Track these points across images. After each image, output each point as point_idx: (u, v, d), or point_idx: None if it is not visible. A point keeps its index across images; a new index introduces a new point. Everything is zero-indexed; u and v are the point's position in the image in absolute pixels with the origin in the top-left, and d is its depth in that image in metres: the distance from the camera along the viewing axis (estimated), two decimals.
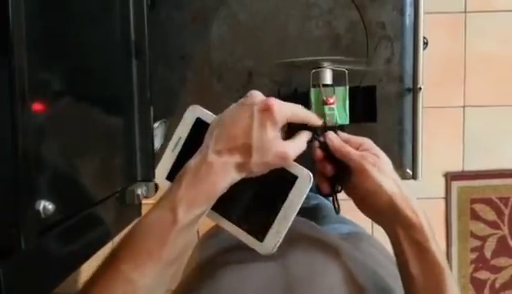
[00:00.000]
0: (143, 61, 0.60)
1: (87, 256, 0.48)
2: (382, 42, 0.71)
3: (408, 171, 0.73)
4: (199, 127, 0.52)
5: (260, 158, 0.46)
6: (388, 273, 0.57)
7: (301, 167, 0.49)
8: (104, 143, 0.53)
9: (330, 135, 0.54)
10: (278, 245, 0.48)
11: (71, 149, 0.45)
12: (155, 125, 0.65)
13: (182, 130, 0.53)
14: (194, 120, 0.53)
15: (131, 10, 0.58)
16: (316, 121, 0.52)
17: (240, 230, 0.50)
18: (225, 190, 0.46)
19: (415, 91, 0.71)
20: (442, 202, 1.71)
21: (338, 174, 0.54)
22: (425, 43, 0.72)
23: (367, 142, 0.54)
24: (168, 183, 0.54)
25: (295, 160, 0.49)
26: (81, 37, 0.48)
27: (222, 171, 0.45)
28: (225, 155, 0.45)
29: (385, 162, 0.52)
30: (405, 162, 0.73)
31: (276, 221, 0.49)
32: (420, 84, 0.70)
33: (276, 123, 0.46)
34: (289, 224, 0.48)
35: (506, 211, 1.72)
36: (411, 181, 0.72)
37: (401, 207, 0.48)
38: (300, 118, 0.50)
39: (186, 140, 0.53)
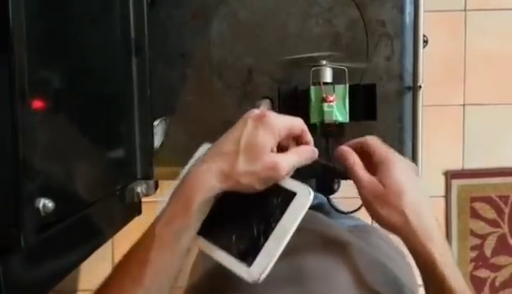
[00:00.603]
0: (143, 59, 0.60)
1: (86, 254, 0.49)
2: (382, 40, 0.71)
3: None
4: None
5: (247, 166, 0.41)
6: (397, 265, 0.56)
7: (299, 182, 0.44)
8: (104, 141, 0.53)
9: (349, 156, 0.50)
10: (267, 272, 0.41)
11: (71, 148, 0.45)
12: (155, 123, 0.65)
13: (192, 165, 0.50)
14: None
15: (131, 8, 0.58)
16: (311, 142, 0.47)
17: (228, 256, 0.43)
18: (206, 201, 0.42)
19: (415, 89, 0.71)
20: (441, 201, 1.71)
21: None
22: (425, 41, 0.71)
23: (372, 144, 0.51)
24: None
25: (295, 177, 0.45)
26: (81, 36, 0.48)
27: (200, 177, 0.41)
28: (208, 161, 0.42)
29: (392, 191, 0.47)
30: None
31: (268, 241, 0.42)
32: (420, 82, 0.70)
33: (268, 129, 0.42)
34: (283, 245, 0.42)
35: (506, 210, 1.72)
36: None
37: (409, 241, 0.46)
38: (298, 131, 0.46)
39: None
